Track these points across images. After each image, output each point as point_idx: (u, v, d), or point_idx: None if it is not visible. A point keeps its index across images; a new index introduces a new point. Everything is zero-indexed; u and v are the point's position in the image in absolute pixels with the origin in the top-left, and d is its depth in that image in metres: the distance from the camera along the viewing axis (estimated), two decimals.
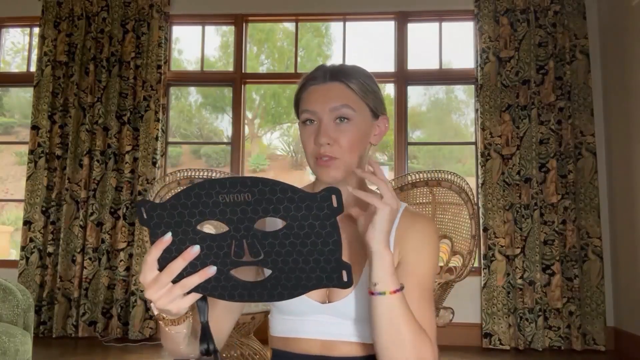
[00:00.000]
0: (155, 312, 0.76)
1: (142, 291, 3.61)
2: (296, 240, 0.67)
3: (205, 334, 0.77)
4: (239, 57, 4.03)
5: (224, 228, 0.69)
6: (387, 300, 0.82)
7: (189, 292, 0.71)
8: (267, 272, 0.70)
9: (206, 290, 0.71)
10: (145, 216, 0.69)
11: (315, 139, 0.93)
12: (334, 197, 0.66)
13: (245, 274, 0.82)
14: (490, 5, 3.72)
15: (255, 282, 0.70)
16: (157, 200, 2.42)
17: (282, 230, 0.67)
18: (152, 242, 0.70)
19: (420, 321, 0.85)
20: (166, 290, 0.70)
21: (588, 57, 3.63)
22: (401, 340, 0.82)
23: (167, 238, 0.69)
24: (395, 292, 0.82)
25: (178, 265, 0.69)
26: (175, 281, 0.70)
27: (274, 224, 0.97)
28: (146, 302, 3.62)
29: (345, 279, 0.68)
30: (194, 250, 0.69)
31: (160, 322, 0.78)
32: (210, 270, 0.69)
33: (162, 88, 3.84)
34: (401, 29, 3.95)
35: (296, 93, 1.01)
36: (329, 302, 0.94)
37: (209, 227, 0.73)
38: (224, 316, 0.95)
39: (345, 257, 0.73)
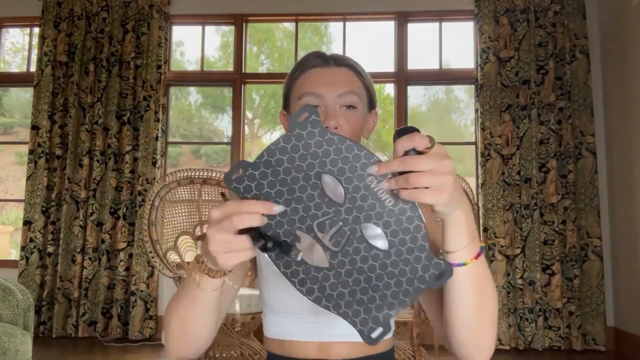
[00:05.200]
0: (199, 252, 0.68)
1: (142, 291, 3.62)
2: (379, 270, 0.62)
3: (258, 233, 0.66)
4: (239, 57, 4.03)
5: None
6: (469, 270, 0.69)
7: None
8: (328, 274, 0.63)
9: (271, 252, 0.63)
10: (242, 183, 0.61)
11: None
12: (443, 273, 0.62)
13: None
14: (490, 5, 3.72)
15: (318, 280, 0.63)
16: (158, 204, 2.42)
17: (378, 252, 0.62)
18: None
19: None
20: (229, 237, 0.61)
21: (588, 57, 3.63)
22: (488, 315, 0.73)
23: (277, 209, 0.61)
24: (477, 257, 0.68)
25: (252, 220, 0.60)
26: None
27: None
28: (147, 304, 3.62)
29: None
30: (276, 208, 0.61)
31: (195, 275, 0.70)
32: (276, 208, 0.61)
33: (162, 88, 3.84)
34: (401, 29, 3.95)
35: (289, 79, 0.95)
36: None
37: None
38: (225, 290, 0.85)
39: None
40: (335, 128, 0.86)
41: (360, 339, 0.89)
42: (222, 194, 2.43)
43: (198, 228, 2.39)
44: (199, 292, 0.72)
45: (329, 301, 0.63)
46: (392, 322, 0.64)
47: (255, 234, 0.61)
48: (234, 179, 0.62)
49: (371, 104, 0.96)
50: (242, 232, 0.61)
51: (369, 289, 0.62)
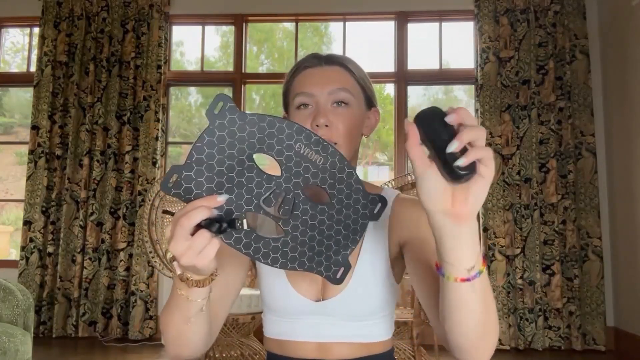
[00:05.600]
0: (178, 272, 0.69)
1: (142, 291, 3.62)
2: (328, 220, 0.68)
3: (210, 220, 0.64)
4: (239, 57, 4.03)
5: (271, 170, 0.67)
6: (483, 278, 0.64)
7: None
8: (282, 235, 0.68)
9: (229, 237, 0.65)
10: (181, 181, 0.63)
11: (312, 122, 0.87)
12: (378, 205, 0.69)
13: (266, 227, 0.78)
14: (490, 5, 3.72)
15: (271, 241, 0.67)
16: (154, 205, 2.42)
17: (323, 206, 0.67)
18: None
19: None
20: (188, 242, 0.61)
21: (588, 57, 3.63)
22: (493, 320, 0.70)
23: (221, 199, 0.63)
24: (485, 260, 0.69)
25: (199, 213, 0.61)
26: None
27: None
28: (147, 304, 3.62)
29: (338, 275, 0.69)
30: (220, 198, 0.63)
31: (181, 291, 0.70)
32: (220, 198, 0.63)
33: (162, 88, 3.84)
34: (401, 29, 3.95)
35: (287, 81, 0.96)
36: (323, 299, 0.90)
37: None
38: (225, 294, 0.87)
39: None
40: (326, 126, 0.87)
41: (360, 340, 0.91)
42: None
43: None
44: (187, 305, 0.72)
45: (293, 262, 0.67)
46: (350, 260, 0.70)
47: (208, 222, 0.62)
48: (171, 185, 0.63)
49: (369, 102, 0.96)
50: (196, 230, 0.62)
51: (323, 240, 0.68)
